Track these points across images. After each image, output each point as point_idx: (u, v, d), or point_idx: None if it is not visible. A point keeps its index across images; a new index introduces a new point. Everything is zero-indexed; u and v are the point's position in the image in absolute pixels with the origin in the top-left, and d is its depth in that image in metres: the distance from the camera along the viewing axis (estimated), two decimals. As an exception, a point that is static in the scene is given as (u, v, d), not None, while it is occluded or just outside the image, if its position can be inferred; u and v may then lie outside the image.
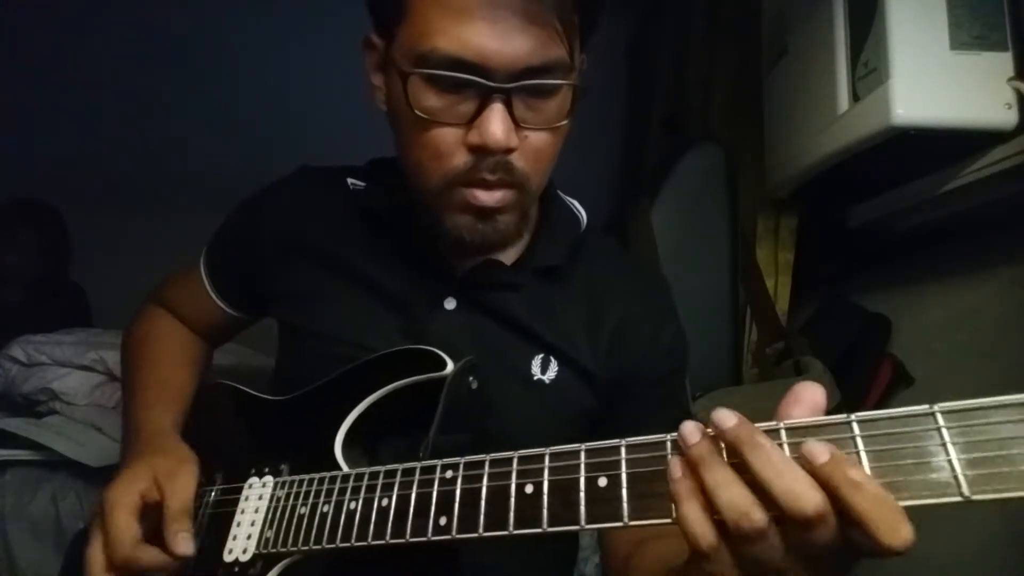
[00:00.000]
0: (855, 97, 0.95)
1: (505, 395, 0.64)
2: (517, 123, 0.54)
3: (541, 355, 0.67)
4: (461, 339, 0.65)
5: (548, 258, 0.69)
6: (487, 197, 0.57)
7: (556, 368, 0.67)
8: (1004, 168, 0.86)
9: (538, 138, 0.57)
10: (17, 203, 2.07)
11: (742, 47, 1.49)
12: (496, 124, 0.53)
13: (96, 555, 0.56)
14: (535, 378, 0.66)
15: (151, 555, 0.56)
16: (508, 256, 0.69)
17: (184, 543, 0.56)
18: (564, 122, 0.57)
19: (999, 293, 0.94)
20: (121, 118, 2.33)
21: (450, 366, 0.58)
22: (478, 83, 0.52)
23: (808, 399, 0.39)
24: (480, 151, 0.55)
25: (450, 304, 0.67)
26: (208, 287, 0.78)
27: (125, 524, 0.56)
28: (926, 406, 0.35)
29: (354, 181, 0.73)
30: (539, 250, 0.69)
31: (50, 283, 2.08)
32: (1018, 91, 0.83)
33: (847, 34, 0.98)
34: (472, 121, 0.54)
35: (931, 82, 0.85)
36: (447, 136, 0.56)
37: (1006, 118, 0.84)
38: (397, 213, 0.68)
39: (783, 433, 0.38)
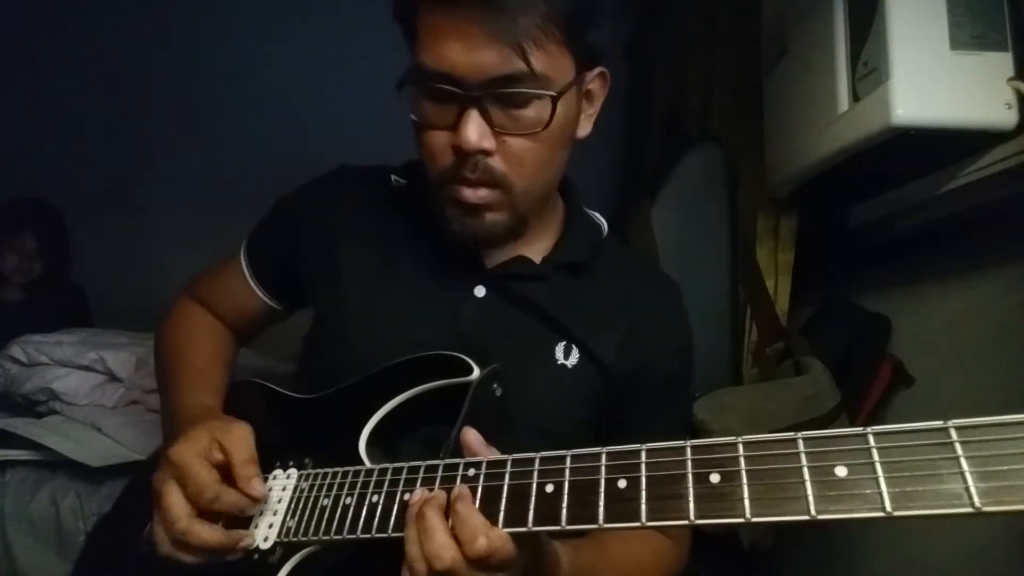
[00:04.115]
0: (855, 97, 0.96)
1: (527, 375, 0.69)
2: (494, 128, 0.61)
3: (564, 342, 0.72)
4: (489, 324, 0.70)
5: (573, 255, 0.75)
6: (470, 194, 0.64)
7: (577, 356, 0.72)
8: (1004, 168, 0.86)
9: (517, 143, 0.62)
10: (17, 203, 2.06)
11: (742, 47, 1.48)
12: (468, 128, 0.60)
13: (174, 501, 0.58)
14: (559, 363, 0.71)
15: (233, 496, 0.58)
16: (535, 253, 0.74)
17: (258, 485, 0.59)
18: (542, 129, 0.62)
19: (999, 293, 0.94)
20: (121, 118, 2.33)
21: (476, 372, 0.60)
22: (454, 92, 0.60)
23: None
24: (460, 152, 0.61)
25: (480, 291, 0.72)
26: (248, 277, 0.83)
27: (206, 469, 0.58)
28: (940, 422, 0.36)
29: (397, 178, 0.80)
30: (564, 248, 0.75)
31: (50, 283, 2.08)
32: (1018, 91, 0.83)
33: (847, 34, 0.98)
34: (455, 126, 0.61)
35: (931, 82, 0.85)
36: (437, 139, 0.63)
37: (1006, 118, 0.84)
38: (433, 209, 0.72)
39: (801, 443, 0.39)
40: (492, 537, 0.46)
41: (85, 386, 1.41)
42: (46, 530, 1.27)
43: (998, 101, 0.84)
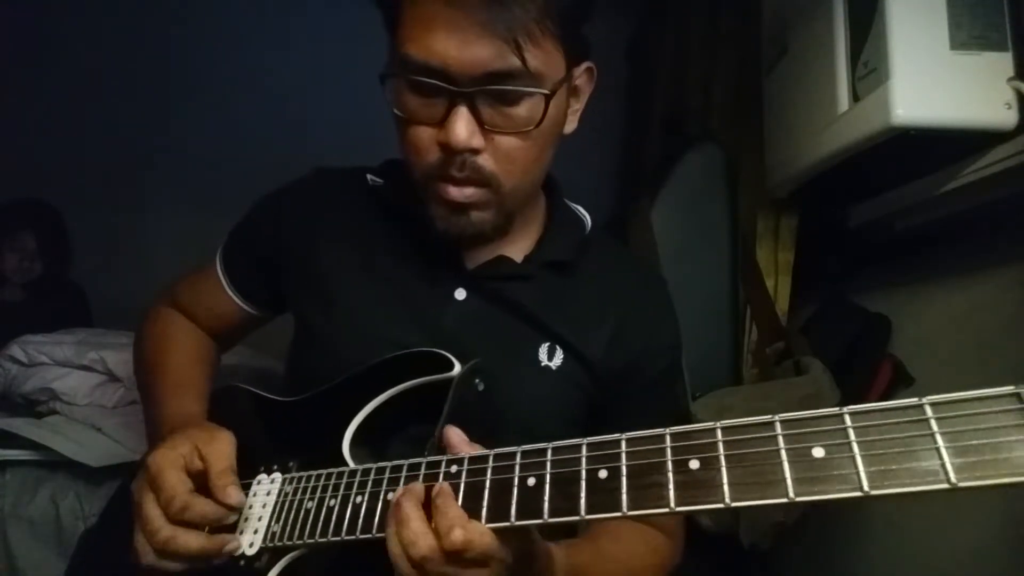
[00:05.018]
0: (855, 97, 0.95)
1: (512, 377, 0.68)
2: (484, 126, 0.59)
3: (547, 343, 0.70)
4: (471, 327, 0.68)
5: (556, 253, 0.73)
6: (456, 193, 0.62)
7: (562, 356, 0.70)
8: (1004, 168, 0.86)
9: (507, 142, 0.60)
10: (17, 203, 2.06)
11: (742, 47, 1.48)
12: (458, 126, 0.57)
13: (152, 511, 0.56)
14: (542, 364, 0.69)
15: (205, 504, 0.57)
16: (517, 252, 0.72)
17: (235, 493, 0.58)
18: (534, 128, 0.60)
19: (999, 293, 0.94)
20: (121, 118, 2.32)
21: (457, 367, 0.60)
22: (443, 87, 0.57)
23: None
24: (447, 150, 0.59)
25: (460, 294, 0.70)
26: (225, 285, 0.81)
27: (177, 478, 0.57)
28: (915, 399, 0.36)
29: (373, 177, 0.77)
30: (546, 246, 0.73)
31: (50, 283, 2.08)
32: (1018, 91, 0.83)
33: (847, 34, 0.98)
34: (442, 122, 0.59)
35: (931, 82, 0.85)
36: (423, 134, 0.61)
37: (1006, 118, 0.84)
38: (412, 208, 0.71)
39: (778, 426, 0.39)
40: (468, 529, 0.46)
41: (85, 386, 1.41)
42: (46, 530, 1.27)
43: (998, 101, 0.84)
